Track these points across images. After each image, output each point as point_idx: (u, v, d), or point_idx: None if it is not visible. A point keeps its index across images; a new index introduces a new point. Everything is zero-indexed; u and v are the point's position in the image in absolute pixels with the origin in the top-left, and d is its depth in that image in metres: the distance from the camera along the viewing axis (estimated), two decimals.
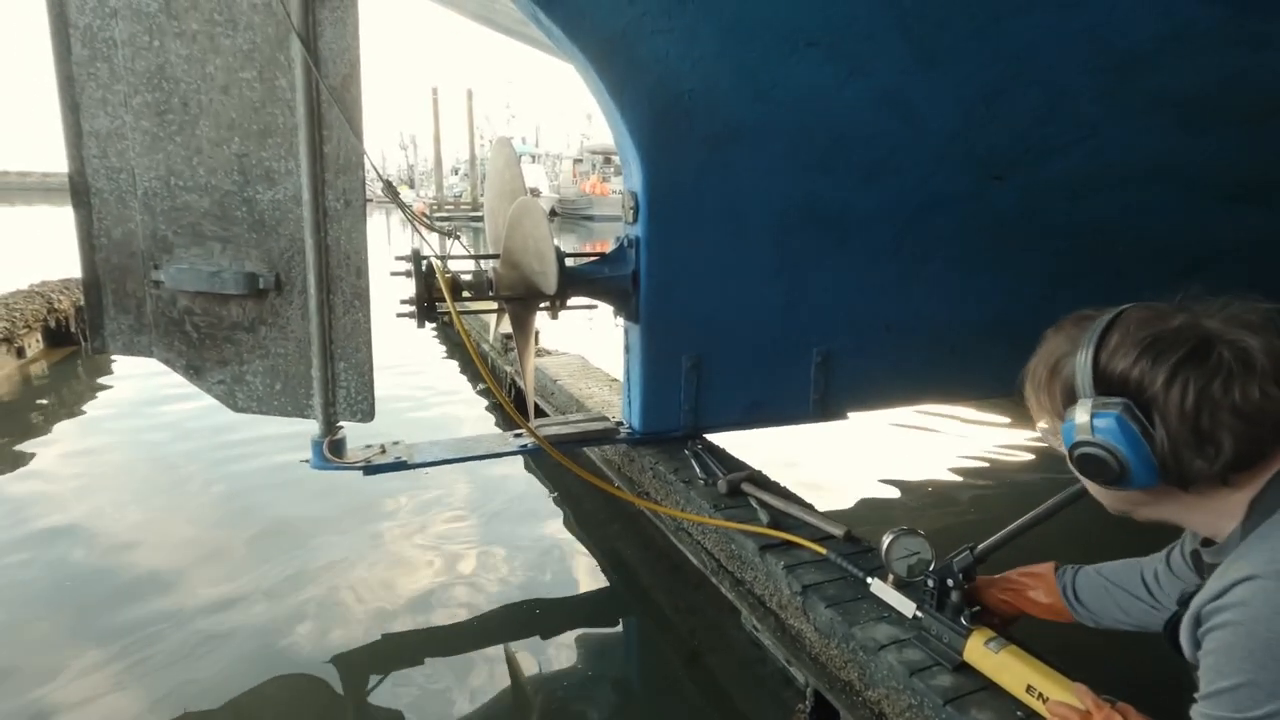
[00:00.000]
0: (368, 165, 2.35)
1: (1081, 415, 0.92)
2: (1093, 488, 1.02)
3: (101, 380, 5.47)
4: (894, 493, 3.66)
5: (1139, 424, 0.87)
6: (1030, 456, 4.26)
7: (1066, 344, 0.98)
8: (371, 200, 2.77)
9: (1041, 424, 1.06)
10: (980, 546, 1.55)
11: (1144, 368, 0.88)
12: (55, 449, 4.10)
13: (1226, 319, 0.88)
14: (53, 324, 6.21)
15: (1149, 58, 2.29)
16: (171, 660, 2.23)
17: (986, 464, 4.06)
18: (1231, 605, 0.82)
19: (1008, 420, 4.72)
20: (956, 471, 3.94)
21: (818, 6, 2.23)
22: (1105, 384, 0.91)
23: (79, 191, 2.36)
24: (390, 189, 2.58)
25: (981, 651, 1.57)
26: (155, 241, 2.38)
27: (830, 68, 2.40)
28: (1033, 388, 1.04)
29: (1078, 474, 0.98)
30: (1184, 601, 0.95)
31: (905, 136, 2.67)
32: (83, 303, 2.50)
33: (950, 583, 1.61)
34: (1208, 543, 0.99)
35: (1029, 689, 1.46)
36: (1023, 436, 4.54)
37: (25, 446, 4.07)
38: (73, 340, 6.32)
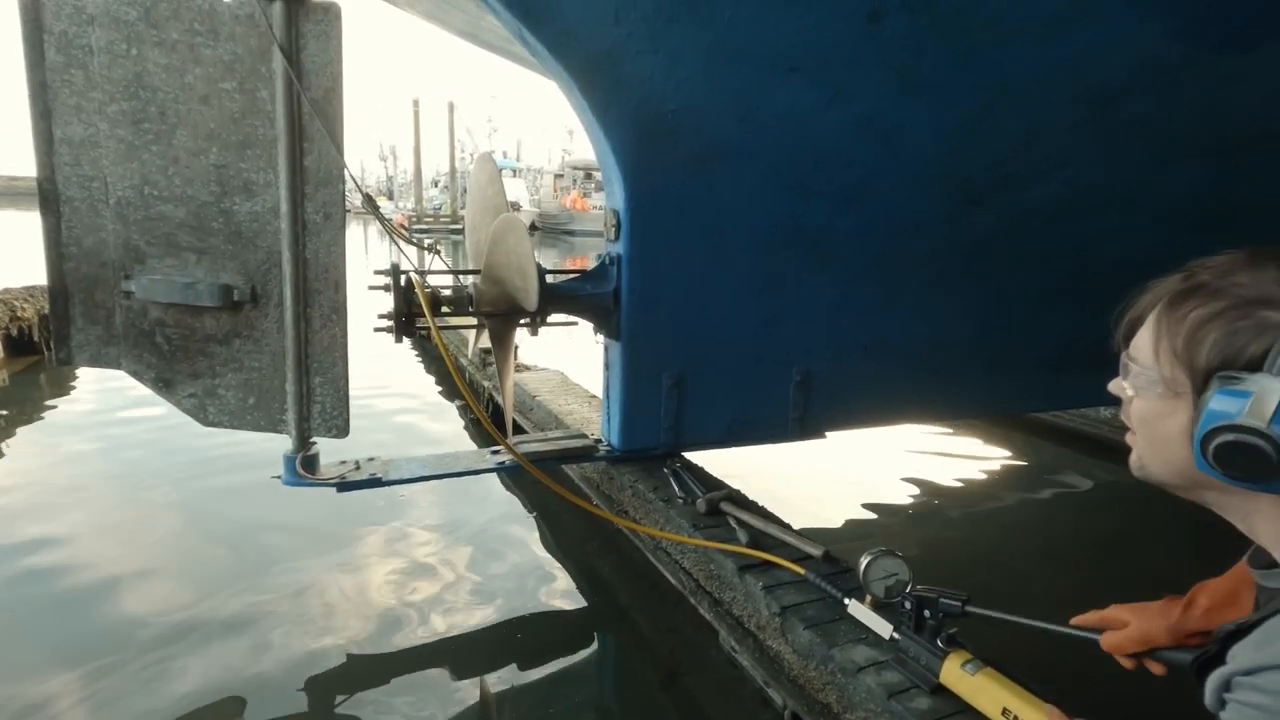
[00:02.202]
0: (348, 179, 2.33)
1: (1268, 398, 0.73)
2: (1168, 455, 0.85)
3: (64, 391, 5.32)
4: (871, 512, 3.68)
5: None
6: (1006, 477, 4.33)
7: (1270, 289, 0.75)
8: (350, 211, 2.75)
9: (1141, 352, 0.86)
10: (973, 608, 1.53)
11: None
12: (11, 463, 3.97)
13: None
14: (14, 333, 6.03)
15: (1123, 90, 2.37)
16: (127, 691, 2.13)
17: (963, 484, 4.10)
18: (1270, 691, 0.74)
19: (985, 441, 4.79)
20: (933, 491, 3.98)
21: (801, 33, 2.27)
22: None
23: (48, 199, 2.31)
24: (370, 203, 2.56)
25: (958, 674, 1.58)
26: (127, 251, 2.34)
27: (812, 92, 2.44)
28: (1170, 316, 0.82)
29: (1203, 456, 0.79)
30: (1222, 638, 0.87)
31: (886, 161, 2.72)
32: (48, 312, 2.44)
33: (928, 613, 1.62)
34: (1268, 562, 0.88)
35: (1004, 712, 1.46)
36: (999, 456, 4.60)
37: None
38: (35, 350, 6.15)
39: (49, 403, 5.10)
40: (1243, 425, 0.74)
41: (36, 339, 6.16)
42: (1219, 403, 0.76)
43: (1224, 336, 0.77)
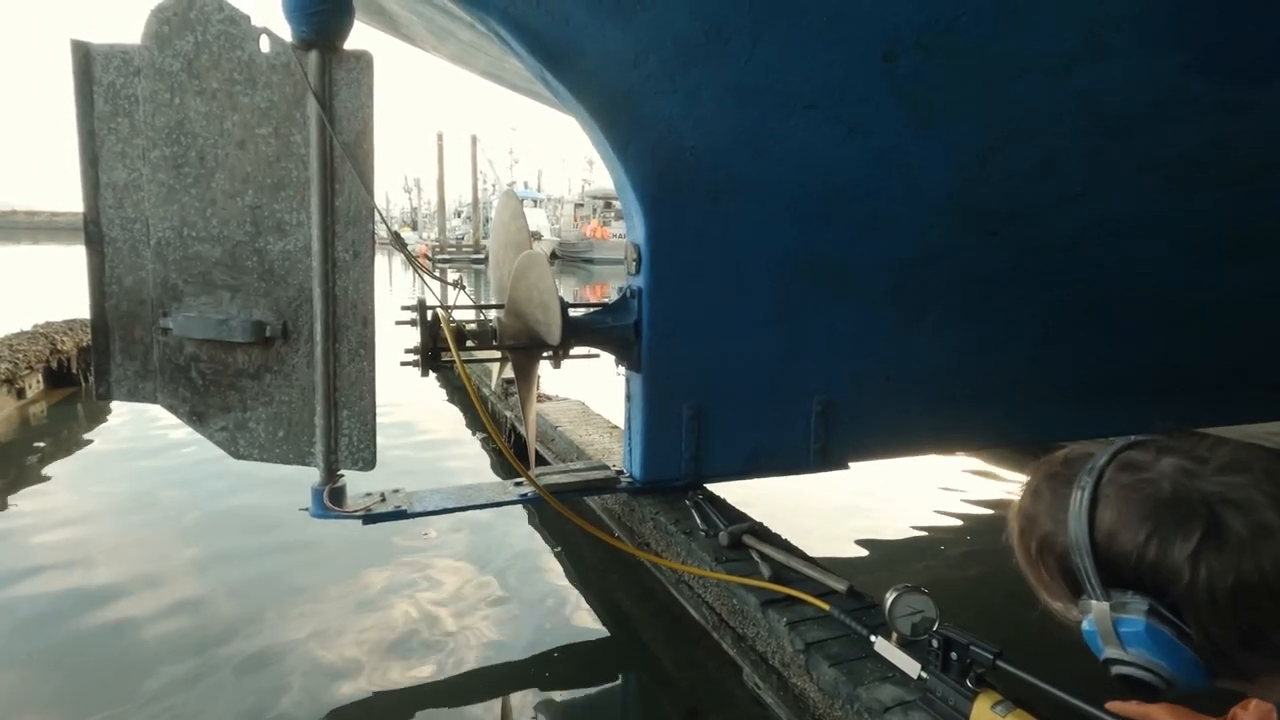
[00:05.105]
0: (377, 218, 2.40)
1: (1102, 622, 0.75)
2: None
3: (99, 423, 5.45)
4: (896, 545, 3.63)
5: (1171, 626, 0.71)
6: None
7: (1048, 521, 0.81)
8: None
9: (1046, 599, 0.87)
10: (1004, 664, 1.48)
11: (1156, 554, 0.71)
12: (43, 496, 4.05)
13: (1220, 469, 0.73)
14: (54, 365, 6.22)
15: (1136, 122, 2.38)
16: None
17: (989, 516, 4.03)
18: None
19: (1010, 470, 4.71)
20: (958, 523, 3.91)
21: (816, 71, 2.32)
22: (1113, 570, 0.74)
23: (93, 239, 2.41)
24: (398, 240, 2.63)
25: (989, 716, 1.54)
26: (165, 289, 2.42)
27: (828, 128, 2.48)
28: (1024, 562, 0.86)
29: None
30: None
31: (902, 193, 2.74)
32: (87, 344, 2.53)
33: (954, 654, 1.59)
34: None
35: None
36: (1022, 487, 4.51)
37: (15, 491, 4.03)
38: (73, 381, 6.33)
39: (85, 434, 5.23)
40: (1111, 657, 0.76)
41: (75, 371, 6.35)
42: (1090, 639, 0.78)
43: (1050, 567, 0.81)
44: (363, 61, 2.30)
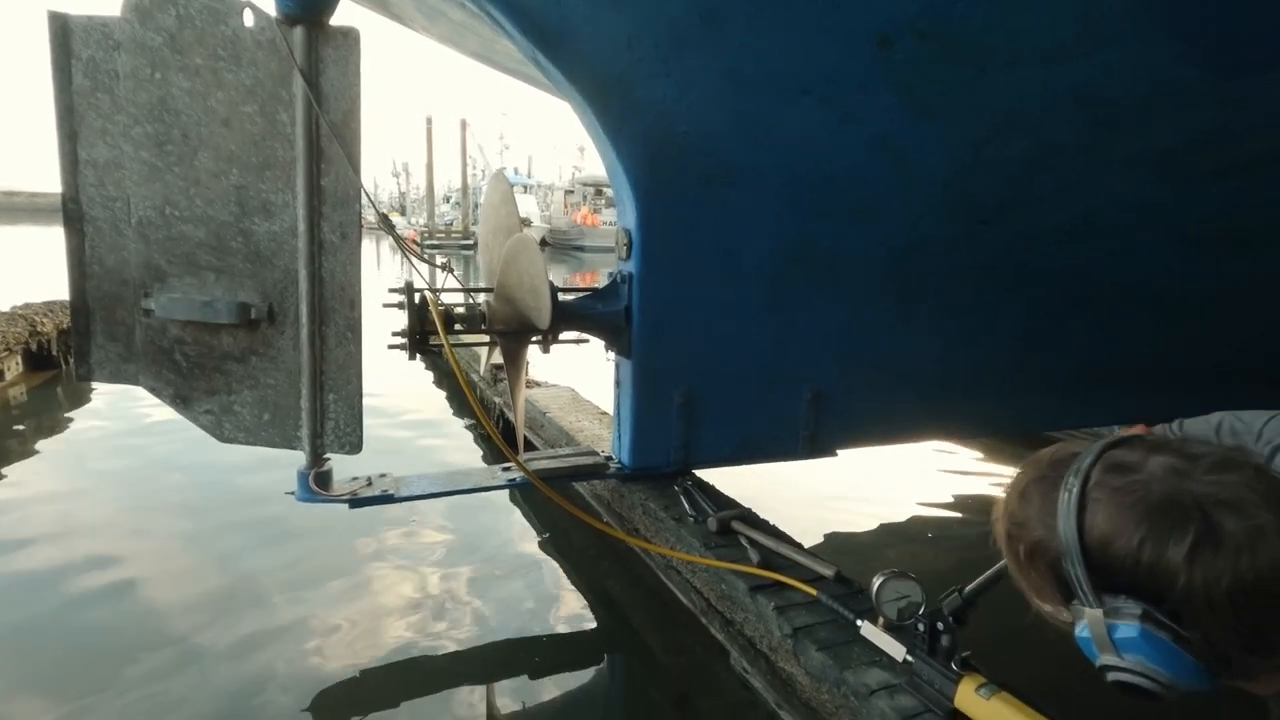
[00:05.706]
0: (365, 200, 2.37)
1: (1096, 629, 0.74)
2: None
3: (81, 406, 5.37)
4: (884, 532, 3.66)
5: (1169, 630, 0.70)
6: None
7: (1038, 526, 0.79)
8: (363, 227, 2.78)
9: (1036, 603, 0.85)
10: (969, 588, 1.54)
11: (1150, 558, 0.70)
12: (25, 478, 3.99)
13: (1211, 468, 0.72)
14: (34, 347, 6.12)
15: (1131, 114, 2.38)
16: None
17: (977, 504, 4.07)
18: None
19: (998, 459, 4.76)
20: (946, 511, 3.95)
21: (812, 57, 2.30)
22: (1106, 575, 0.73)
23: (73, 218, 2.36)
24: (386, 223, 2.60)
25: (973, 698, 1.56)
26: (148, 270, 2.38)
27: (823, 115, 2.47)
28: (1014, 567, 0.85)
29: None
30: None
31: (896, 181, 2.73)
32: (67, 326, 2.48)
33: (940, 626, 1.61)
34: None
35: None
36: (1012, 475, 4.56)
37: None
38: (54, 364, 6.23)
39: (67, 416, 5.15)
40: (1106, 664, 0.75)
41: (55, 353, 6.25)
42: (1084, 645, 0.77)
43: (1040, 571, 0.79)
44: (350, 38, 2.25)
